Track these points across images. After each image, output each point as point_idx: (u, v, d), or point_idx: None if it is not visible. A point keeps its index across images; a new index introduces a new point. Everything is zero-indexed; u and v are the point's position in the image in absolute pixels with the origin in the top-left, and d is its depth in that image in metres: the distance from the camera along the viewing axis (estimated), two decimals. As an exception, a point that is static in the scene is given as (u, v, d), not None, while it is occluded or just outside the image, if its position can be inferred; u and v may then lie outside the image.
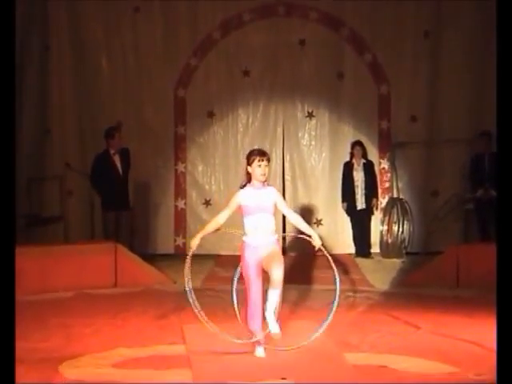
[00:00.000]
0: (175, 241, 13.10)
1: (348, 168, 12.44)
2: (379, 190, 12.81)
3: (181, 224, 13.09)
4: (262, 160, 6.01)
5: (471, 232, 12.23)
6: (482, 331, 6.85)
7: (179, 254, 12.55)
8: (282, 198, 6.22)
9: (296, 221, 6.21)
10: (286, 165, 13.12)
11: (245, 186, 6.12)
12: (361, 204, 12.40)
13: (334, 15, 13.01)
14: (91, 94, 13.12)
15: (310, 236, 6.11)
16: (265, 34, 13.10)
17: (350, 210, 12.47)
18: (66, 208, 12.89)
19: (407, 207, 12.39)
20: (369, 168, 12.46)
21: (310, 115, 13.12)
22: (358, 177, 12.39)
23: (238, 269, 6.28)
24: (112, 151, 11.24)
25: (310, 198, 13.08)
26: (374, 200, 12.51)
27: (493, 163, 11.32)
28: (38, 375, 5.55)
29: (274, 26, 13.08)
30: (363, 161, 12.42)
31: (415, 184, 12.94)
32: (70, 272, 9.60)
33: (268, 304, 5.98)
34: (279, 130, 13.17)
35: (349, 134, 12.98)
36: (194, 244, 6.09)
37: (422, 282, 9.67)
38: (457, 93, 12.79)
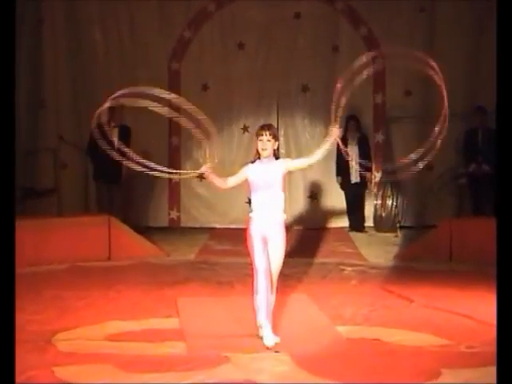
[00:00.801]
0: (169, 214, 13.08)
1: (342, 142, 12.38)
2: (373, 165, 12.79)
3: (175, 197, 13.06)
4: (262, 134, 6.00)
5: (464, 206, 12.25)
6: (475, 304, 6.90)
7: (173, 227, 12.60)
8: (289, 159, 6.19)
9: (311, 160, 6.23)
10: (281, 139, 13.04)
11: (254, 161, 6.14)
12: (355, 178, 12.39)
13: (329, -12, 12.95)
14: (85, 67, 13.01)
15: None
16: (260, 7, 12.99)
17: (345, 183, 12.46)
18: (60, 181, 12.82)
19: (401, 181, 12.39)
20: (363, 142, 12.44)
21: (305, 89, 13.08)
22: (353, 151, 12.36)
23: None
24: (113, 124, 11.17)
25: (305, 172, 13.04)
26: (368, 174, 12.51)
27: (486, 138, 11.33)
28: (31, 347, 5.57)
29: (270, -1, 13.00)
30: (357, 135, 12.39)
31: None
32: (64, 245, 9.60)
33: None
34: (274, 103, 13.12)
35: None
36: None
37: (416, 255, 9.71)
38: (451, 68, 12.68)
